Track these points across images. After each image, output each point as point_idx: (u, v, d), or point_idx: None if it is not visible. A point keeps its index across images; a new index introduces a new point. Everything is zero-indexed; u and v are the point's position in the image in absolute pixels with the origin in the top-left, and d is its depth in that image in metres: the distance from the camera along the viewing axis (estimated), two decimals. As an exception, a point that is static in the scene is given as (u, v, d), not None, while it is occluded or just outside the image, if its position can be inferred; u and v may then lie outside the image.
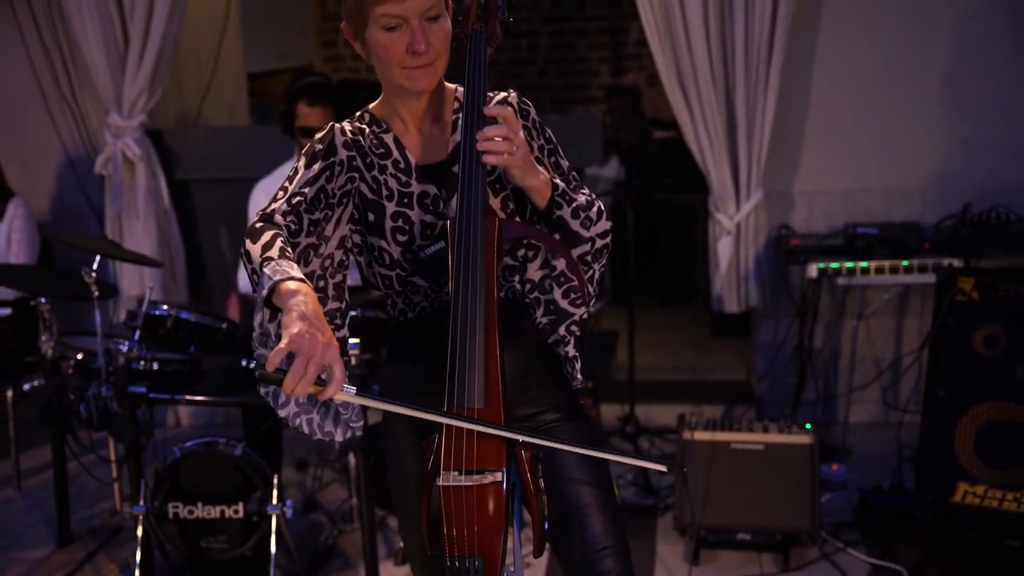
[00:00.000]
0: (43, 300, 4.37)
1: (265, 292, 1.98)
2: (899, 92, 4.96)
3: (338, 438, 2.37)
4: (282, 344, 1.86)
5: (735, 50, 4.77)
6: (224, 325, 4.17)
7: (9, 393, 5.01)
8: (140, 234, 5.35)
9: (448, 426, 2.13)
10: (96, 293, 4.16)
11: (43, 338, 4.33)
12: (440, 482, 2.13)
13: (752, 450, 3.96)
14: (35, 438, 5.28)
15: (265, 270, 2.01)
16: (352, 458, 4.15)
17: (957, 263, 4.38)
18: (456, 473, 2.12)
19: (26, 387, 4.93)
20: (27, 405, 5.12)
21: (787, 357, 5.04)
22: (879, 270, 4.56)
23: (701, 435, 4.00)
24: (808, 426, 3.97)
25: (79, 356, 4.27)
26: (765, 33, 4.74)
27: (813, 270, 4.61)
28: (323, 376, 1.89)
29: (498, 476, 2.12)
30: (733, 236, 4.94)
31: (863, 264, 4.57)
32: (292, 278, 1.97)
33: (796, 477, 3.92)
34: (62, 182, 5.67)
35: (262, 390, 2.21)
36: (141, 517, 3.81)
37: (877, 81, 4.97)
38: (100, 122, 5.41)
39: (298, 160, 2.31)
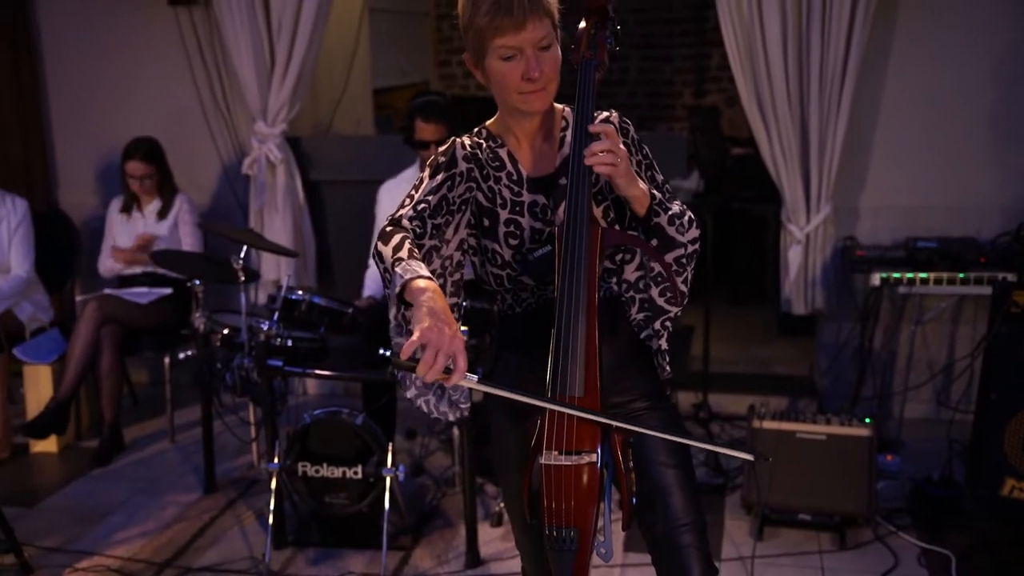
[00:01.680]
0: (197, 282, 4.45)
1: (398, 289, 1.99)
2: (961, 117, 4.84)
3: (450, 418, 2.43)
4: (414, 337, 1.88)
5: (810, 75, 4.69)
6: (350, 310, 4.20)
7: (167, 360, 5.14)
8: (278, 227, 5.41)
9: (550, 410, 2.13)
10: (242, 278, 4.24)
11: (196, 314, 4.41)
12: (542, 460, 2.14)
13: (815, 440, 3.90)
14: (187, 399, 5.40)
15: (397, 269, 2.02)
16: (456, 431, 4.16)
17: (1011, 277, 4.25)
18: (556, 453, 2.13)
19: (181, 356, 5.06)
20: (181, 371, 5.27)
21: (848, 356, 4.95)
22: (937, 281, 4.45)
23: (769, 424, 3.95)
24: (868, 420, 3.92)
25: (226, 331, 4.34)
26: (839, 60, 4.64)
27: (876, 279, 4.51)
28: (449, 365, 1.89)
29: (594, 457, 2.12)
30: (803, 245, 4.86)
31: (922, 275, 4.46)
32: (421, 276, 1.99)
33: (854, 465, 3.86)
34: (214, 180, 5.77)
35: (398, 374, 2.22)
36: (275, 473, 3.88)
37: (941, 107, 4.85)
38: (248, 129, 5.48)
39: (423, 171, 2.32)
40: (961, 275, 4.41)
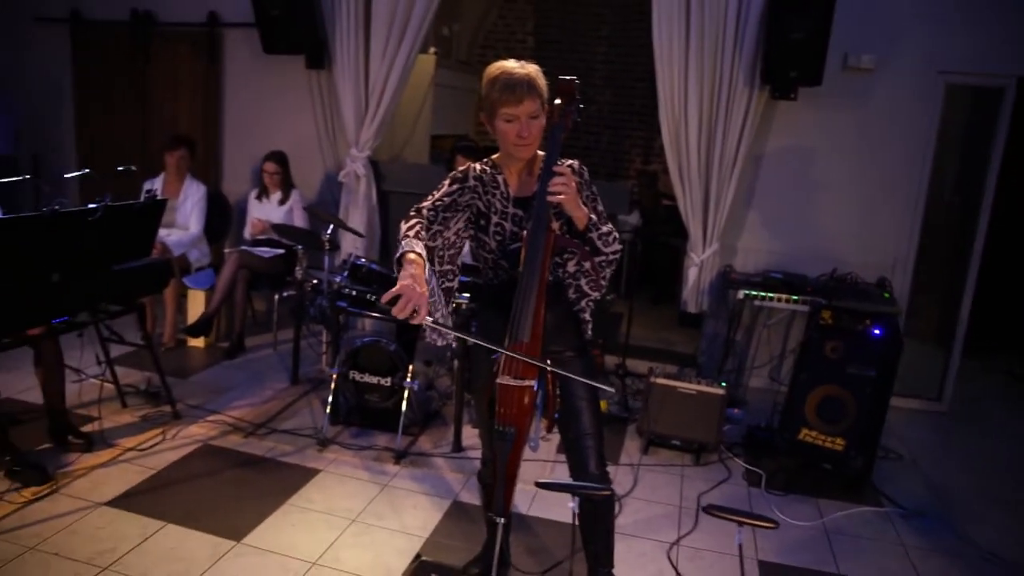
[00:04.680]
0: (300, 247, 4.45)
1: (398, 255, 2.05)
2: (807, 198, 4.86)
3: (439, 343, 2.42)
4: (395, 288, 1.94)
5: (713, 158, 4.71)
6: (395, 275, 4.17)
7: (276, 296, 5.16)
8: (358, 218, 5.42)
9: (510, 347, 2.15)
10: (327, 247, 4.24)
11: (298, 269, 4.42)
12: (498, 381, 2.15)
13: (688, 393, 3.93)
14: (285, 323, 5.39)
15: (403, 242, 2.09)
16: (456, 362, 4.16)
17: (824, 301, 4.27)
18: (509, 377, 2.16)
19: (285, 294, 5.05)
20: (284, 304, 5.26)
21: (720, 343, 4.98)
22: (780, 300, 4.48)
23: (661, 380, 3.96)
24: (723, 384, 3.95)
25: (315, 281, 4.35)
26: (732, 151, 4.67)
27: (742, 294, 4.54)
28: (415, 311, 1.94)
29: (532, 383, 2.15)
30: (698, 268, 4.88)
31: (771, 295, 4.49)
32: (414, 251, 2.05)
33: (711, 412, 3.90)
34: (320, 183, 5.77)
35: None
36: (335, 375, 3.90)
37: (795, 189, 4.87)
38: (345, 152, 5.48)
39: (446, 180, 2.34)
40: (795, 297, 4.44)
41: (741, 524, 1.92)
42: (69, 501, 3.13)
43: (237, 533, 2.99)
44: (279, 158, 5.19)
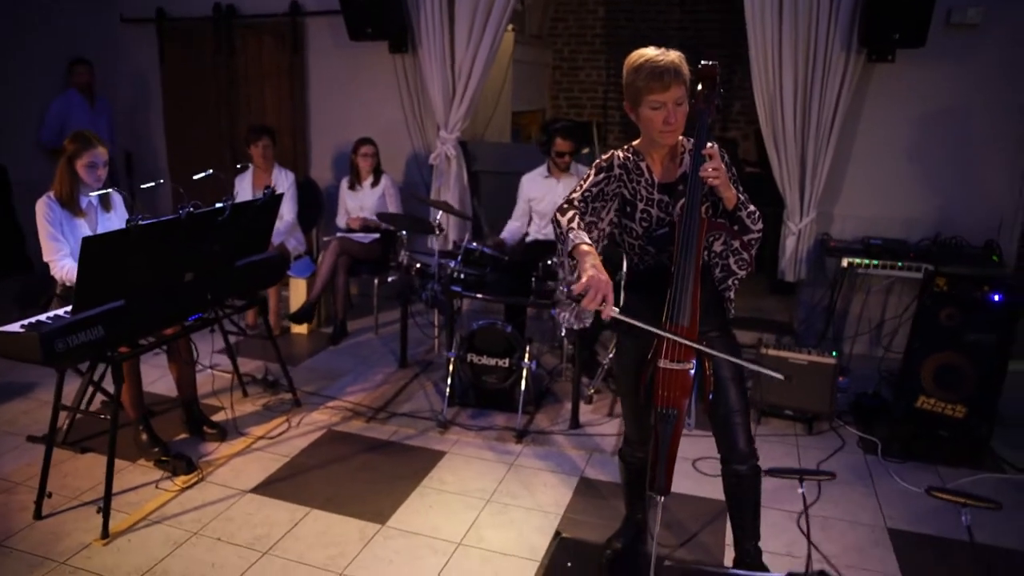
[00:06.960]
0: (403, 232, 4.53)
1: (570, 248, 2.07)
2: (905, 163, 4.76)
3: (576, 327, 2.44)
4: (583, 280, 1.98)
5: (810, 124, 4.65)
6: (505, 257, 4.25)
7: (375, 281, 5.25)
8: (450, 199, 5.47)
9: (668, 331, 2.19)
10: (438, 231, 4.31)
11: (401, 253, 4.49)
12: (659, 364, 2.20)
13: (800, 363, 3.92)
14: (387, 307, 5.49)
15: (570, 235, 2.10)
16: (567, 342, 4.21)
17: (929, 268, 4.23)
18: (668, 360, 2.20)
19: (389, 279, 5.15)
20: (385, 289, 5.35)
21: (818, 312, 4.95)
22: (881, 266, 4.43)
23: (772, 351, 3.97)
24: (835, 354, 3.93)
25: (418, 265, 4.41)
26: (829, 117, 4.61)
27: (844, 262, 4.49)
28: (604, 300, 1.97)
29: (691, 366, 2.20)
30: (796, 236, 4.84)
31: (873, 262, 4.44)
32: (585, 243, 2.07)
33: (823, 382, 3.90)
34: (409, 167, 5.84)
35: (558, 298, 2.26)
36: (452, 359, 3.98)
37: (893, 153, 4.78)
38: (434, 135, 5.54)
39: (591, 170, 2.36)
40: (898, 263, 4.38)
41: (964, 505, 1.94)
42: (217, 489, 3.30)
43: (381, 516, 3.12)
44: (372, 142, 5.27)
